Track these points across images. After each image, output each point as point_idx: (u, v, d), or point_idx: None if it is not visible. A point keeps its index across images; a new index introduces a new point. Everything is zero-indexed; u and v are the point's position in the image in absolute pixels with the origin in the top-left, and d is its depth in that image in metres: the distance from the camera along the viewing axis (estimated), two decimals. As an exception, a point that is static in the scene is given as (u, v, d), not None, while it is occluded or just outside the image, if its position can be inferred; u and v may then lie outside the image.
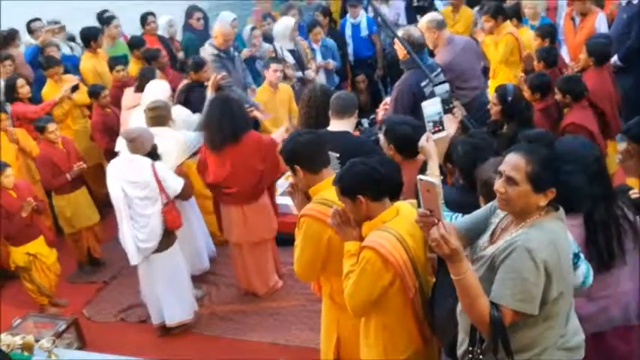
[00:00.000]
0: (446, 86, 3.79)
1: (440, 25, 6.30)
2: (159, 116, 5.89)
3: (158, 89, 6.41)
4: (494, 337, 2.68)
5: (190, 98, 6.80)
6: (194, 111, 6.52)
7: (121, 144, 5.85)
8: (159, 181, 5.41)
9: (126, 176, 5.43)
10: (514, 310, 2.67)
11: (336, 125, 5.03)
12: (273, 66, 7.45)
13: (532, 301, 2.66)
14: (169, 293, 5.72)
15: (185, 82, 7.05)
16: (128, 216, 5.46)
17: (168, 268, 5.67)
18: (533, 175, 2.71)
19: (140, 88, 6.77)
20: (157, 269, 5.66)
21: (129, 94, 7.08)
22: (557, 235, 2.74)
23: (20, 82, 7.28)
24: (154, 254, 5.58)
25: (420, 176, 2.73)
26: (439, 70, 5.83)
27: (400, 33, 5.89)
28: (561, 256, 2.71)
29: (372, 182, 3.34)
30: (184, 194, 5.74)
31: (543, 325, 2.77)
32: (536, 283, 2.63)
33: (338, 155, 4.61)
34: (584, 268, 3.21)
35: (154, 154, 5.52)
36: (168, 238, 5.60)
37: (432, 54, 6.36)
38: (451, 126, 3.83)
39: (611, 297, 3.58)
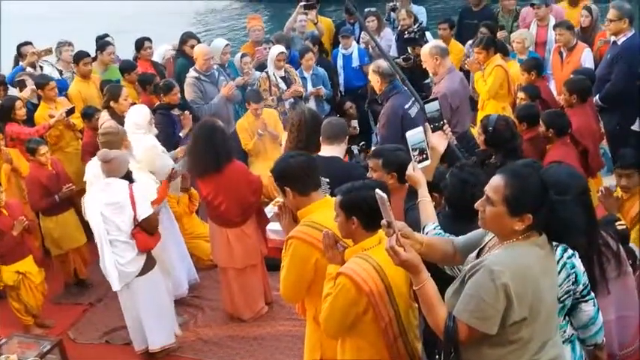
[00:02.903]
0: (436, 104, 3.82)
1: (443, 53, 6.44)
2: (109, 141, 5.90)
3: (138, 114, 6.52)
4: (446, 346, 2.78)
5: (155, 120, 6.95)
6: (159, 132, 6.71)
7: (90, 173, 5.95)
8: (133, 202, 5.43)
9: (103, 199, 5.46)
10: (469, 326, 2.72)
11: (326, 151, 5.10)
12: (253, 105, 7.67)
13: (487, 320, 2.69)
14: (151, 318, 5.71)
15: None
16: (108, 241, 5.47)
17: (149, 292, 5.66)
18: (510, 198, 2.74)
19: (105, 105, 7.03)
20: (137, 293, 5.65)
21: (103, 114, 7.18)
22: (526, 260, 2.75)
23: (19, 103, 7.32)
24: (136, 278, 5.58)
25: (377, 190, 2.86)
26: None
27: (371, 67, 6.10)
28: (527, 282, 2.71)
29: (369, 212, 3.33)
30: (148, 224, 5.53)
31: (509, 347, 2.78)
32: (492, 304, 2.66)
33: (328, 180, 4.66)
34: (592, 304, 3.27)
35: (129, 178, 5.55)
36: (147, 262, 5.60)
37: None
38: (442, 144, 3.86)
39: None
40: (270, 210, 6.62)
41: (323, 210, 3.82)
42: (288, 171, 3.91)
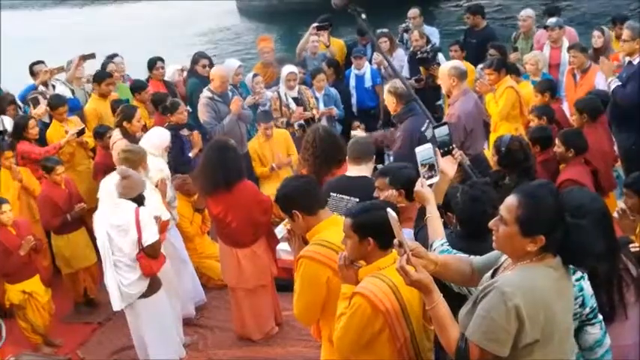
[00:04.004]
0: (445, 129, 3.80)
1: (461, 76, 6.40)
2: (128, 159, 5.90)
3: (158, 137, 6.55)
4: None
5: None
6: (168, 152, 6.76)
7: (103, 190, 5.91)
8: (139, 227, 5.37)
9: (111, 220, 5.44)
10: (480, 348, 2.69)
11: (354, 170, 5.10)
12: (263, 125, 7.68)
13: (498, 342, 2.66)
14: (153, 339, 5.68)
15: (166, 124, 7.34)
16: (112, 262, 5.45)
17: (152, 314, 5.62)
18: (522, 219, 2.72)
19: (118, 124, 7.06)
20: (140, 315, 5.62)
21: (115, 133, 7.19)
22: (538, 282, 2.71)
23: (32, 122, 7.37)
24: (139, 300, 5.54)
25: (388, 209, 2.86)
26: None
27: (387, 87, 6.06)
28: (539, 304, 2.68)
29: (385, 231, 3.20)
30: (152, 250, 5.46)
31: None
32: (504, 326, 2.64)
33: (358, 200, 4.64)
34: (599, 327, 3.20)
35: (139, 201, 5.50)
36: (152, 284, 5.55)
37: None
38: (451, 168, 3.84)
39: (612, 351, 3.54)
40: (280, 230, 6.56)
41: (332, 228, 3.81)
42: (292, 194, 3.94)
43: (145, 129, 7.35)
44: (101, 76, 8.35)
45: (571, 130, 5.96)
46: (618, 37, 8.48)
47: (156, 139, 6.53)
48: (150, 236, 5.40)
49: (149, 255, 5.44)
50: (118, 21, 25.93)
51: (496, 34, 9.86)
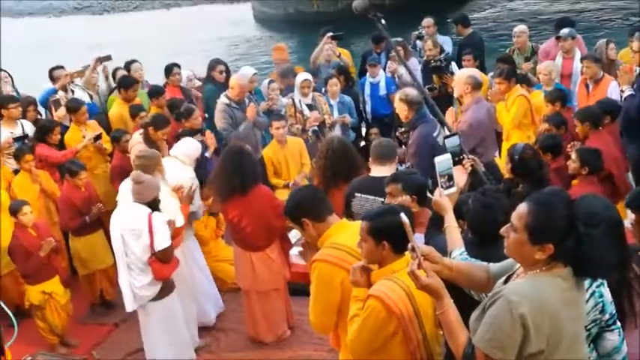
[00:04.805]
0: (456, 139, 3.86)
1: (477, 85, 6.48)
2: (143, 165, 5.96)
3: (191, 147, 6.66)
4: None
5: None
6: None
7: (122, 193, 5.99)
8: (151, 231, 5.42)
9: (125, 224, 5.51)
10: (486, 355, 2.70)
11: (377, 171, 5.18)
12: (275, 124, 7.70)
13: (504, 350, 2.66)
14: (163, 342, 5.75)
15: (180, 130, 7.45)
16: (125, 264, 5.52)
17: (163, 317, 5.69)
18: (531, 226, 2.71)
19: (143, 127, 7.21)
20: (151, 317, 5.69)
21: (136, 136, 7.30)
22: (545, 292, 2.70)
23: (58, 129, 7.50)
24: (151, 302, 5.62)
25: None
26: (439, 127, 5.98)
27: (398, 95, 6.13)
28: (545, 314, 2.66)
29: (400, 235, 3.18)
30: (164, 255, 5.51)
31: None
32: (510, 334, 2.63)
33: (382, 200, 4.70)
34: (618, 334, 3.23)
35: (154, 206, 5.56)
36: (164, 288, 5.61)
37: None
38: (461, 178, 3.89)
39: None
40: (294, 235, 6.66)
41: (342, 232, 3.86)
42: (300, 203, 3.99)
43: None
44: (128, 83, 8.46)
45: (590, 149, 5.89)
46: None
47: (189, 149, 6.62)
48: (162, 241, 5.45)
49: (160, 260, 5.49)
50: (133, 28, 26.16)
51: (482, 40, 10.21)
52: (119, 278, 5.65)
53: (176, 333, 5.81)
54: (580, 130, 6.39)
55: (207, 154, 7.40)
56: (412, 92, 6.03)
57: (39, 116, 8.40)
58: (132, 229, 5.47)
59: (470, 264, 3.33)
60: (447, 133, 5.51)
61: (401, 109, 6.12)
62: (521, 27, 9.72)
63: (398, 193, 4.47)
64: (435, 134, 5.91)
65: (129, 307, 5.64)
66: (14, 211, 6.17)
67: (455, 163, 3.83)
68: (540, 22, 19.10)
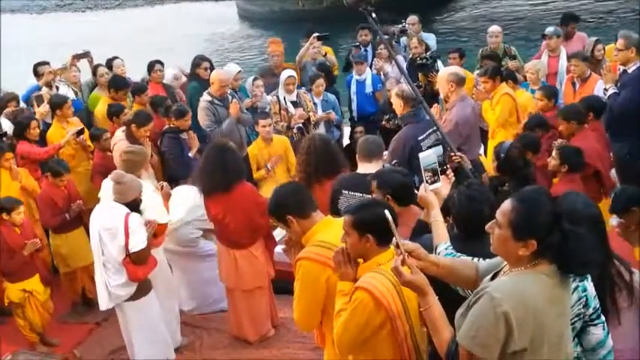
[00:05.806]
0: (439, 149, 3.89)
1: (460, 82, 6.44)
2: (131, 160, 5.93)
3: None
4: None
5: (163, 141, 7.18)
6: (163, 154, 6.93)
7: (104, 189, 5.91)
8: (127, 232, 5.33)
9: (102, 222, 5.44)
10: (468, 351, 2.70)
11: (364, 168, 5.17)
12: (261, 122, 7.66)
13: (487, 348, 2.65)
14: (140, 341, 5.69)
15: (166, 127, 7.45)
16: (102, 262, 5.46)
17: (140, 318, 5.63)
18: (515, 222, 2.72)
19: (126, 124, 7.20)
20: (128, 316, 5.64)
21: (118, 134, 7.24)
22: (529, 289, 2.70)
23: (34, 123, 7.40)
24: (127, 302, 5.55)
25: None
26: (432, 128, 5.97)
27: (394, 91, 6.13)
28: (529, 311, 2.66)
29: (384, 227, 3.17)
30: (137, 257, 5.40)
31: None
32: (492, 332, 2.63)
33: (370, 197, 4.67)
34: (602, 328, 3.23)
35: (133, 206, 5.46)
36: (140, 288, 5.53)
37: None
38: (445, 188, 3.91)
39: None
40: (278, 233, 6.62)
41: (327, 229, 3.83)
42: (282, 200, 3.96)
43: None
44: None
45: (570, 148, 5.91)
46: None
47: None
48: (137, 243, 5.35)
49: (134, 261, 5.40)
50: (116, 25, 26.04)
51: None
52: (95, 275, 5.60)
53: (155, 333, 5.73)
54: (565, 128, 6.40)
55: (190, 154, 7.36)
56: (408, 89, 6.01)
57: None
58: (108, 228, 5.39)
59: (457, 260, 3.32)
60: (439, 134, 5.54)
61: (397, 104, 6.14)
62: (495, 27, 9.59)
63: (375, 189, 4.48)
64: (421, 137, 5.89)
65: (103, 305, 5.57)
66: (9, 209, 6.10)
67: (441, 172, 3.86)
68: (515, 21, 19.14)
